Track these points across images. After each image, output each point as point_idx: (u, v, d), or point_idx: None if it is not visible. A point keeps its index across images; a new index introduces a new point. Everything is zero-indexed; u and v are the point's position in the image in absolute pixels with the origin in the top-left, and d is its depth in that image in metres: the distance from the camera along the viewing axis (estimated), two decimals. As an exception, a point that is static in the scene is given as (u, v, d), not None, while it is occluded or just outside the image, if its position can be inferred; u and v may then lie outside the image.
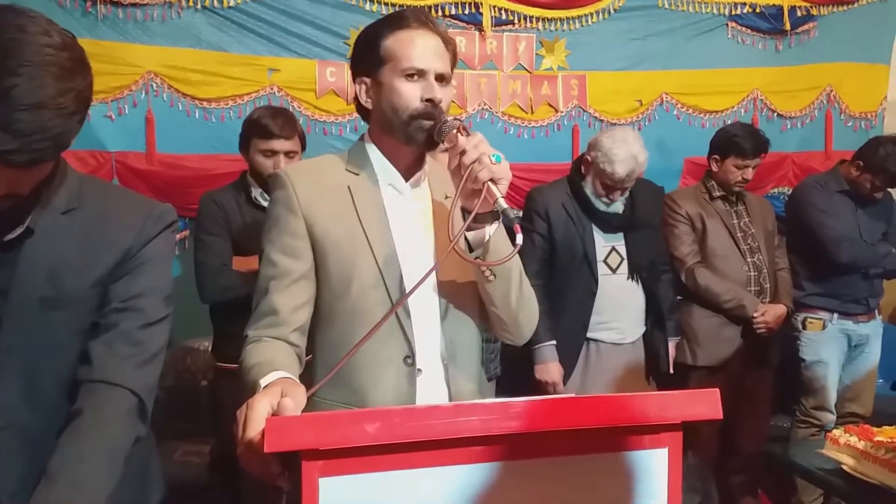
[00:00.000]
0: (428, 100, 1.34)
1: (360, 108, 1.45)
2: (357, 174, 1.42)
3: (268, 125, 2.47)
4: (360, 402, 1.35)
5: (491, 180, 1.21)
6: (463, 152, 1.24)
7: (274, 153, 2.50)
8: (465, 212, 1.26)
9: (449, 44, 1.40)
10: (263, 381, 1.13)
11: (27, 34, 0.99)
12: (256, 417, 0.97)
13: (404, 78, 1.35)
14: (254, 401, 1.00)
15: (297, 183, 1.38)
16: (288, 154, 2.53)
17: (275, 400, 1.01)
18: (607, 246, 2.70)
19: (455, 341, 1.40)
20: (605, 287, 2.66)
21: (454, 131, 1.29)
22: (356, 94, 1.43)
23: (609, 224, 2.70)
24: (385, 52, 1.36)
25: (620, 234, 2.72)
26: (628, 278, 2.71)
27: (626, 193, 2.71)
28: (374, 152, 1.44)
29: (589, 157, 2.68)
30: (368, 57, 1.39)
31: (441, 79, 1.36)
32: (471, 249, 1.31)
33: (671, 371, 2.87)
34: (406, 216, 1.41)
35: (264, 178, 2.52)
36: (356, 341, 1.28)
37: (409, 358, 1.36)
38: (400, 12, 1.40)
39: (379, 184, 1.42)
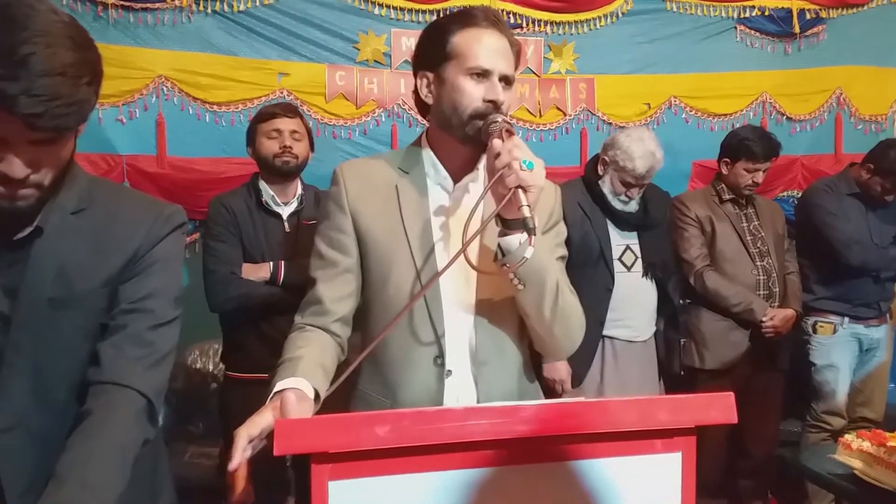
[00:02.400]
0: (490, 101, 1.32)
1: (419, 103, 1.44)
2: (407, 173, 1.43)
3: (270, 110, 2.56)
4: (391, 396, 1.39)
5: (520, 187, 1.19)
6: (497, 155, 1.23)
7: (279, 133, 2.49)
8: (498, 217, 1.25)
9: (514, 46, 1.38)
10: (278, 387, 1.18)
11: (37, 11, 1.02)
12: (240, 446, 1.05)
13: (469, 77, 1.33)
14: (243, 427, 1.08)
15: (348, 179, 1.41)
16: (293, 134, 2.51)
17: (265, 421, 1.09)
18: (622, 244, 2.72)
19: (489, 347, 1.40)
20: (620, 284, 2.68)
21: (496, 133, 1.27)
22: (416, 88, 1.42)
23: (626, 222, 2.73)
24: (452, 48, 1.34)
25: (634, 233, 2.74)
26: (643, 276, 2.72)
27: (641, 193, 2.73)
28: (427, 152, 1.44)
29: (606, 157, 2.71)
30: (433, 51, 1.37)
31: (505, 81, 1.34)
32: (503, 255, 1.28)
33: (681, 372, 2.87)
34: (451, 217, 1.39)
35: (274, 167, 2.49)
36: (389, 336, 1.34)
37: (439, 358, 1.37)
38: (470, 10, 1.38)
39: (427, 184, 1.42)
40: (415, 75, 1.43)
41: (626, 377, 2.68)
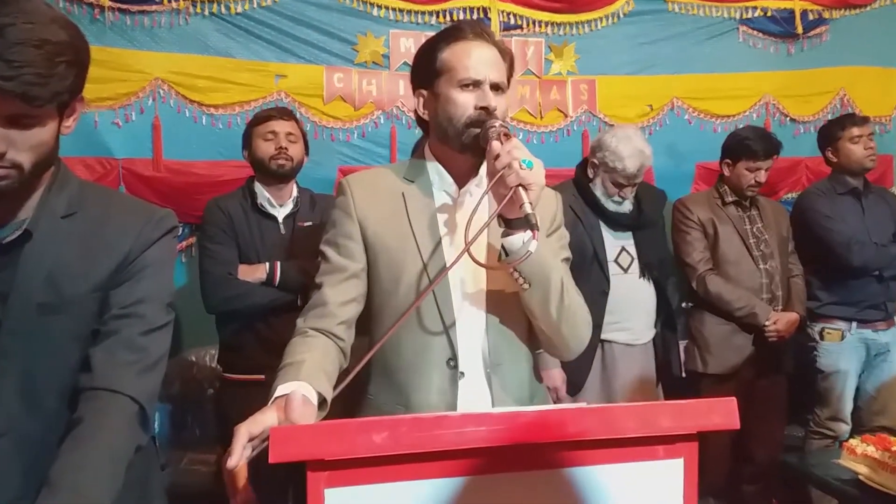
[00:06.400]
0: (482, 107, 1.36)
1: (419, 120, 1.50)
2: (412, 181, 1.47)
3: (265, 113, 2.61)
4: (404, 401, 1.40)
5: (521, 185, 1.22)
6: (496, 157, 1.26)
7: (275, 134, 2.53)
8: (500, 217, 1.28)
9: (505, 54, 1.43)
10: (279, 391, 1.16)
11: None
12: (240, 443, 1.00)
13: (460, 88, 1.38)
14: (244, 423, 1.03)
15: (355, 189, 1.45)
16: (289, 136, 2.54)
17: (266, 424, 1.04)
18: (617, 245, 2.69)
19: (501, 348, 1.42)
20: (616, 287, 2.65)
21: (495, 136, 1.31)
22: (415, 107, 1.49)
23: (618, 223, 2.70)
24: (441, 64, 1.41)
25: (629, 234, 2.72)
26: (640, 277, 2.70)
27: (634, 192, 2.71)
28: (431, 162, 1.48)
29: (595, 160, 2.69)
30: (425, 70, 1.44)
31: (496, 88, 1.39)
32: (507, 255, 1.30)
33: (683, 375, 2.84)
34: (458, 221, 1.43)
35: (269, 169, 2.52)
36: (401, 341, 1.38)
37: (452, 361, 1.39)
38: (456, 25, 1.45)
39: (433, 191, 1.46)
40: (413, 95, 1.50)
41: (624, 383, 2.63)
